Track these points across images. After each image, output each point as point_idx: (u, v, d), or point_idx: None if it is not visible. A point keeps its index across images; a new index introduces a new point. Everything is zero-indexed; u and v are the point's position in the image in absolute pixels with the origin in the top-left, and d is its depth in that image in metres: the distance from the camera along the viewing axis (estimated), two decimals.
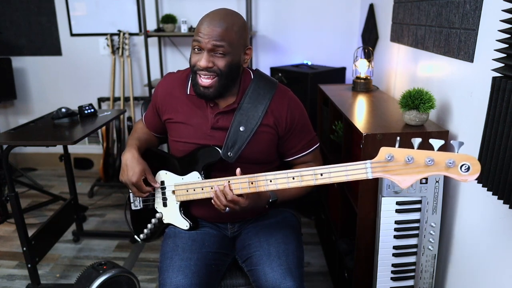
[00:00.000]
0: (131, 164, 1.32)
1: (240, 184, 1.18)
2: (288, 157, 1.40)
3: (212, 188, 1.23)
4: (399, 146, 0.98)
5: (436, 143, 0.93)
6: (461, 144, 0.91)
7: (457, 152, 0.92)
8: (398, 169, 0.98)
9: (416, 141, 0.96)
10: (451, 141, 0.93)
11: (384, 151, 0.99)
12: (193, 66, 1.24)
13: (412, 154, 0.96)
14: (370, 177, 1.02)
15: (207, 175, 1.31)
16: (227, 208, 1.20)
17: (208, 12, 1.25)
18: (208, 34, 1.18)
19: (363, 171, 1.03)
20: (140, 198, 1.44)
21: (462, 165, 0.91)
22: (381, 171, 1.00)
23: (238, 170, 1.17)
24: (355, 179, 1.04)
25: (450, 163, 0.92)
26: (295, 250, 1.31)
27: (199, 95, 1.27)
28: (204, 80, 1.22)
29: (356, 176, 1.04)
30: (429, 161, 0.94)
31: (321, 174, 1.08)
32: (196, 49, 1.22)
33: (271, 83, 1.35)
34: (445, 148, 1.43)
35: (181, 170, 1.35)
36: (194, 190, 1.29)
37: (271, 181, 1.14)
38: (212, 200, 1.21)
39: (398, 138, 0.99)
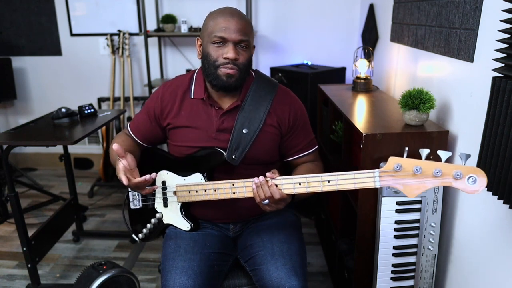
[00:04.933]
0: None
1: (245, 188, 1.18)
2: (289, 157, 1.40)
3: (215, 190, 1.23)
4: (407, 156, 0.99)
5: (444, 154, 0.95)
6: (468, 156, 0.94)
7: (464, 164, 0.93)
8: (406, 179, 0.99)
9: (424, 152, 0.98)
10: (459, 154, 0.95)
11: (393, 161, 1.00)
12: (215, 60, 1.23)
13: (420, 165, 0.98)
14: (378, 186, 1.03)
15: (209, 176, 1.31)
16: (267, 200, 1.16)
17: (215, 10, 1.28)
18: (233, 27, 1.21)
19: (371, 179, 1.03)
20: (140, 198, 1.43)
21: (469, 177, 0.94)
22: (389, 180, 1.01)
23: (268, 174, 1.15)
24: (362, 187, 1.05)
25: (457, 175, 0.95)
26: (298, 249, 1.32)
27: (222, 87, 1.26)
28: (229, 70, 1.23)
29: (364, 185, 1.05)
30: (437, 172, 0.96)
31: (329, 181, 1.08)
32: (216, 44, 1.22)
33: (271, 84, 1.36)
34: (445, 147, 1.44)
35: (183, 171, 1.34)
36: (196, 192, 1.28)
37: (277, 186, 1.14)
38: (254, 192, 1.16)
39: (407, 148, 1.01)
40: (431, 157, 0.98)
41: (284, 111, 1.34)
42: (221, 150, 1.29)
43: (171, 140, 1.40)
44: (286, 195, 1.14)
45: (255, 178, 1.15)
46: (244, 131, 1.29)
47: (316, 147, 1.43)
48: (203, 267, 1.25)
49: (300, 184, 1.12)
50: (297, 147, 1.38)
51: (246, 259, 1.34)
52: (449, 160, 0.96)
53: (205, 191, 1.26)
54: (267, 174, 1.15)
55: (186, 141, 1.35)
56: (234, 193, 1.21)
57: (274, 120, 1.32)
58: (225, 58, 1.22)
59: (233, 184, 1.20)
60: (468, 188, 0.94)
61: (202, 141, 1.32)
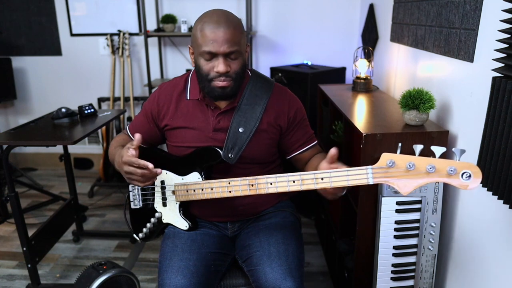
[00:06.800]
0: (118, 156, 1.23)
1: (241, 186, 1.18)
2: (291, 153, 1.40)
3: (212, 189, 1.23)
4: (401, 152, 0.98)
5: (438, 150, 0.94)
6: (462, 151, 0.92)
7: (459, 160, 0.92)
8: (399, 176, 0.98)
9: (418, 147, 0.96)
10: (453, 149, 0.94)
11: (386, 157, 0.99)
12: (207, 74, 1.22)
13: (414, 161, 0.96)
14: (371, 183, 1.02)
15: (207, 176, 1.31)
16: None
17: (202, 16, 1.22)
18: (220, 39, 1.16)
19: (364, 176, 1.03)
20: (140, 197, 1.43)
21: (464, 173, 0.92)
22: (382, 177, 1.00)
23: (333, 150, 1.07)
24: (356, 184, 1.05)
25: (451, 170, 0.93)
26: (295, 250, 1.31)
27: (218, 98, 1.27)
28: (221, 83, 1.22)
29: (357, 181, 1.04)
30: (430, 168, 0.94)
31: (322, 179, 1.08)
32: (207, 57, 1.20)
33: (267, 83, 1.36)
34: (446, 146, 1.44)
35: (182, 170, 1.34)
36: (194, 190, 1.29)
37: (271, 183, 1.14)
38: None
39: (400, 144, 0.99)
40: (431, 157, 0.98)
41: (282, 108, 1.34)
42: (217, 149, 1.29)
43: (169, 141, 1.40)
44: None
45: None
46: (240, 130, 1.29)
47: (317, 141, 1.43)
48: (200, 266, 1.25)
49: (294, 181, 1.12)
50: (298, 142, 1.38)
51: (243, 259, 1.34)
52: (444, 156, 0.95)
53: (202, 190, 1.26)
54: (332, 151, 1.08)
55: (184, 142, 1.35)
56: (230, 191, 1.21)
57: (272, 118, 1.32)
58: (216, 71, 1.20)
59: (229, 183, 1.20)
60: (462, 184, 0.92)
61: (199, 141, 1.33)
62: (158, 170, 1.17)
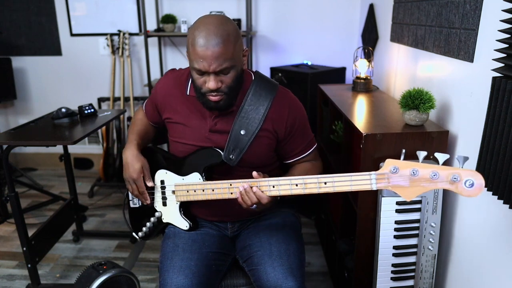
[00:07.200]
0: (131, 162, 1.35)
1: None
2: (288, 159, 1.40)
3: (213, 190, 1.24)
4: (404, 159, 0.99)
5: (441, 157, 0.95)
6: (466, 159, 0.92)
7: (462, 167, 0.93)
8: (402, 182, 0.98)
9: (421, 154, 0.97)
10: (456, 157, 0.94)
11: (390, 163, 0.99)
12: (200, 88, 1.21)
13: (418, 167, 0.97)
14: (375, 188, 1.02)
15: (208, 177, 1.31)
16: (254, 205, 1.19)
17: (195, 26, 1.16)
18: (210, 58, 1.12)
19: (367, 182, 1.03)
20: None
21: (467, 180, 0.93)
22: (385, 182, 1.01)
23: (255, 173, 1.17)
24: (359, 190, 1.05)
25: (454, 178, 0.93)
26: (296, 250, 1.32)
27: (212, 109, 1.26)
28: (214, 97, 1.21)
29: (360, 187, 1.04)
30: (433, 175, 0.95)
31: (325, 183, 1.08)
32: (198, 73, 1.18)
33: (271, 85, 1.34)
34: (445, 147, 1.44)
35: (182, 170, 1.35)
36: (194, 191, 1.29)
37: (273, 186, 1.14)
38: (239, 200, 1.20)
39: (404, 150, 1.00)
40: (431, 157, 0.98)
41: (282, 115, 1.31)
42: (218, 150, 1.29)
43: (170, 134, 1.41)
44: (271, 197, 1.16)
45: (240, 186, 1.17)
46: (242, 132, 1.28)
47: (315, 146, 1.42)
48: (201, 266, 1.25)
49: (297, 185, 1.12)
50: (295, 151, 1.37)
51: (244, 259, 1.34)
52: (447, 162, 0.96)
53: (203, 190, 1.26)
54: (254, 173, 1.16)
55: (181, 138, 1.36)
56: (231, 193, 1.21)
57: (270, 125, 1.30)
58: (207, 87, 1.18)
59: (230, 185, 1.20)
60: (465, 191, 0.93)
61: (198, 140, 1.33)
62: (149, 201, 1.40)
